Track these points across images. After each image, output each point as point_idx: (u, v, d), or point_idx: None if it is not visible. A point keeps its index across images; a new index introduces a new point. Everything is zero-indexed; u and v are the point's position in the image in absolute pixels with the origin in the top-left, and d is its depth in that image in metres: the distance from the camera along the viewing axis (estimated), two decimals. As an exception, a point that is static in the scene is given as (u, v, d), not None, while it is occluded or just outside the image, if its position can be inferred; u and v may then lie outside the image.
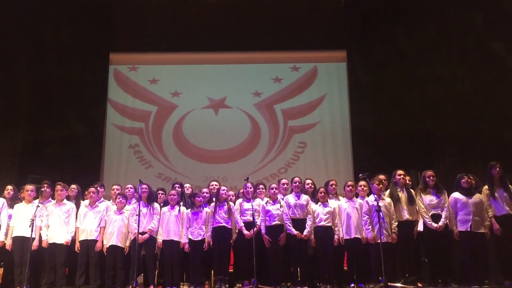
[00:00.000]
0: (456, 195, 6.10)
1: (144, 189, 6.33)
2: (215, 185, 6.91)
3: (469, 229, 5.91)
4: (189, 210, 6.46)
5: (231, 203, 6.48)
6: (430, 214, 6.00)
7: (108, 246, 6.19)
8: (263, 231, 6.19)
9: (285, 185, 6.63)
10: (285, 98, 10.20)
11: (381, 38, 9.79)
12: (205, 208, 6.45)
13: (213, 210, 6.35)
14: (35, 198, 6.38)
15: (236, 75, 10.36)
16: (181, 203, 6.56)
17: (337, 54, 10.33)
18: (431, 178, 6.15)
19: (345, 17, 10.08)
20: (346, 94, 10.12)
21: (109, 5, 10.10)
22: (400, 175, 6.21)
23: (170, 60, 10.47)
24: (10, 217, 6.26)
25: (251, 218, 6.13)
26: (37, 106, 9.64)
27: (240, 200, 6.53)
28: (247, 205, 6.32)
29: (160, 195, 6.87)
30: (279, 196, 6.46)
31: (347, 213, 6.14)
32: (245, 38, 10.26)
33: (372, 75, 9.81)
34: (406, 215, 6.01)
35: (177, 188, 6.84)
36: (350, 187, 6.30)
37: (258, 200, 6.45)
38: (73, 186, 6.65)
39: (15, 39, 9.47)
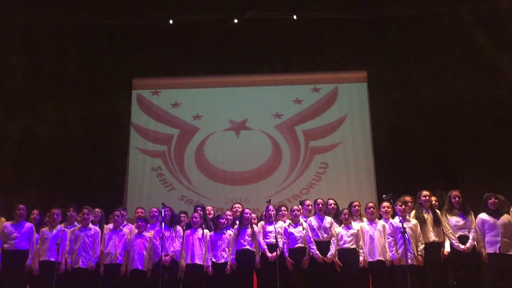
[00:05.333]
0: (483, 216, 5.97)
1: (166, 212, 6.38)
2: (238, 207, 6.92)
3: (498, 251, 5.75)
4: (212, 232, 6.47)
5: (254, 226, 6.47)
6: (457, 236, 5.88)
7: (131, 270, 6.22)
8: (286, 253, 6.14)
9: (309, 207, 6.59)
10: (306, 119, 10.20)
11: (401, 58, 9.77)
12: (228, 231, 6.44)
13: (236, 232, 6.35)
14: (61, 222, 6.47)
15: (256, 97, 10.42)
16: (204, 226, 6.58)
17: (357, 74, 10.32)
18: (457, 198, 6.04)
19: (365, 37, 10.09)
20: (367, 114, 10.07)
21: (131, 31, 10.32)
22: (425, 196, 6.11)
23: (191, 83, 10.60)
24: (36, 241, 6.35)
25: (274, 241, 6.10)
26: (62, 129, 9.85)
27: (262, 222, 6.51)
28: (269, 228, 6.29)
29: (183, 218, 6.90)
30: (302, 219, 6.43)
31: (370, 235, 6.06)
32: (265, 60, 10.34)
33: (393, 95, 9.75)
34: (432, 237, 5.90)
35: (199, 211, 6.86)
36: (371, 209, 6.22)
37: (280, 223, 6.43)
38: (97, 209, 6.74)
39: (38, 68, 9.78)
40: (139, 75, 10.62)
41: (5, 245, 6.17)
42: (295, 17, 9.42)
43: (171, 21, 9.50)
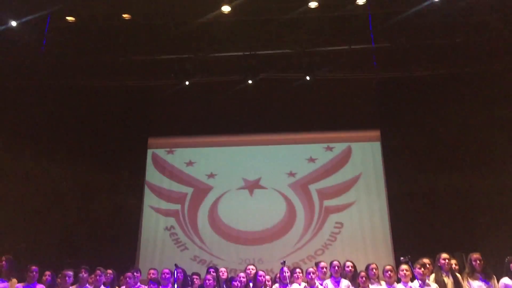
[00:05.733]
0: (506, 280, 5.74)
1: (179, 274, 6.26)
2: (252, 269, 6.78)
3: (523, 318, 5.50)
4: (225, 295, 6.31)
5: (268, 288, 6.31)
6: (479, 301, 5.65)
7: (142, 334, 6.05)
8: (302, 319, 5.93)
9: (324, 269, 6.44)
10: (320, 178, 10.18)
11: (414, 117, 9.84)
12: (241, 294, 6.28)
13: (250, 295, 6.19)
14: (72, 284, 6.37)
15: (270, 156, 10.47)
16: (217, 288, 6.43)
17: (370, 133, 10.37)
18: (478, 261, 5.85)
19: (378, 97, 10.22)
20: (382, 173, 10.03)
21: (148, 91, 10.60)
22: (444, 259, 5.93)
23: (206, 142, 10.73)
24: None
25: (289, 305, 5.91)
26: (76, 188, 9.94)
27: (276, 285, 6.35)
28: (284, 291, 6.12)
29: (195, 279, 6.76)
30: (317, 281, 6.25)
31: (389, 300, 5.84)
32: (278, 119, 10.49)
33: (408, 154, 9.74)
34: (453, 302, 5.67)
35: (212, 273, 6.73)
36: (389, 272, 6.02)
37: (295, 286, 6.25)
38: (109, 271, 6.64)
39: (54, 128, 10.03)
40: (154, 134, 10.81)
41: (16, 307, 6.06)
42: (308, 77, 9.62)
43: (187, 82, 9.76)
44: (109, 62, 9.61)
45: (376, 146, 10.30)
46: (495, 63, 9.25)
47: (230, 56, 9.53)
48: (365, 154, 10.30)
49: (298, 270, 6.48)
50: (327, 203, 9.98)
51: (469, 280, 5.82)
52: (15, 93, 9.61)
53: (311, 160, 10.34)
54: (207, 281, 6.36)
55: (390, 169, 9.95)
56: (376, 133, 10.35)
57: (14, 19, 8.39)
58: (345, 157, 10.30)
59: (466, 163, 9.38)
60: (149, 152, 10.68)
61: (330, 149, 10.40)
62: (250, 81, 9.91)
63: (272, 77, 9.94)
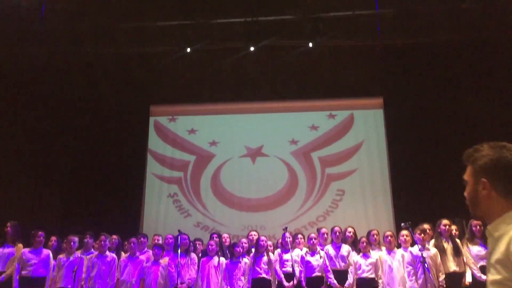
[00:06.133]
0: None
1: (183, 239, 6.36)
2: (254, 235, 6.88)
3: (522, 282, 5.59)
4: (227, 260, 6.42)
5: (270, 253, 6.41)
6: (478, 266, 5.74)
7: (147, 297, 6.19)
8: (303, 283, 6.05)
9: (325, 235, 6.53)
10: (322, 145, 10.18)
11: (418, 84, 9.75)
12: (244, 259, 6.39)
13: (252, 260, 6.29)
14: (78, 249, 6.49)
15: (273, 124, 10.46)
16: (220, 254, 6.54)
17: (373, 101, 10.32)
18: (478, 227, 5.93)
19: (381, 64, 10.11)
20: (384, 141, 10.02)
21: (149, 59, 10.50)
22: (445, 225, 6.00)
23: (208, 110, 10.71)
24: (53, 268, 6.37)
25: (291, 269, 6.02)
26: (80, 157, 10.00)
27: (278, 250, 6.46)
28: (286, 256, 6.23)
29: (198, 245, 6.87)
30: (318, 247, 6.35)
31: (388, 265, 5.95)
32: (281, 87, 10.42)
33: (410, 120, 9.71)
34: (453, 267, 5.78)
35: (215, 238, 6.84)
36: (389, 238, 6.13)
37: (297, 251, 6.36)
38: (114, 236, 6.76)
39: (56, 96, 10.00)
40: (156, 102, 10.77)
41: (23, 272, 6.20)
42: (311, 44, 9.50)
43: (188, 49, 9.65)
44: (110, 28, 9.49)
45: (379, 114, 10.26)
46: (502, 30, 9.10)
47: (232, 23, 9.37)
48: (368, 122, 10.27)
49: (299, 235, 6.60)
50: (329, 170, 10.02)
51: (469, 245, 5.91)
52: (13, 60, 9.53)
53: (314, 128, 10.32)
54: (210, 246, 6.48)
55: (392, 136, 9.94)
56: (379, 101, 10.30)
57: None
58: (347, 125, 10.28)
59: (468, 131, 9.35)
60: (151, 119, 10.68)
61: (332, 116, 10.37)
62: (252, 48, 9.80)
63: (274, 44, 9.82)
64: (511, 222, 1.57)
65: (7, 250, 6.39)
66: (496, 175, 1.64)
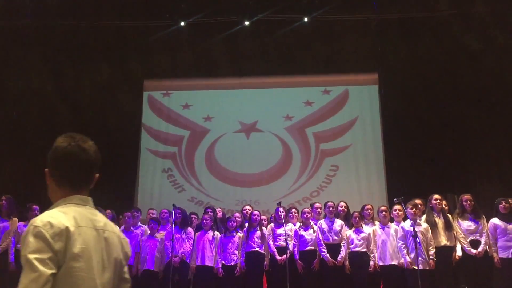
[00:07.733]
0: (495, 220, 5.93)
1: (178, 214, 6.41)
2: (248, 209, 6.93)
3: (510, 256, 5.71)
4: (222, 235, 6.49)
5: (263, 228, 6.48)
6: (468, 240, 5.84)
7: (142, 271, 6.26)
8: (296, 256, 6.14)
9: (318, 209, 6.60)
10: (316, 121, 10.17)
11: (414, 61, 9.71)
12: (237, 233, 6.46)
13: (246, 234, 6.36)
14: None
15: (267, 99, 10.42)
16: (214, 228, 6.60)
17: (368, 77, 10.28)
18: (468, 202, 6.00)
19: (376, 40, 10.05)
20: (378, 117, 10.02)
21: (143, 33, 10.38)
22: (436, 200, 6.07)
23: (202, 85, 10.63)
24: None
25: (284, 243, 6.10)
26: (71, 128, 9.94)
27: (272, 224, 6.52)
28: (279, 230, 6.30)
29: (193, 219, 6.93)
30: (312, 221, 6.42)
31: (382, 240, 6.03)
32: (276, 62, 10.34)
33: (405, 97, 9.70)
34: (443, 241, 5.87)
35: (209, 213, 6.89)
36: (384, 212, 6.20)
37: (290, 225, 6.43)
38: (108, 211, 6.77)
39: (50, 69, 9.89)
40: (150, 76, 10.68)
41: (18, 245, 6.23)
42: (306, 19, 9.41)
43: (182, 23, 9.54)
44: (103, 1, 9.35)
45: (374, 90, 10.23)
46: (497, 3, 9.05)
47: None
48: (362, 98, 10.24)
49: (293, 210, 6.66)
50: (323, 146, 10.04)
51: (459, 220, 5.99)
52: (10, 33, 9.42)
53: (308, 103, 10.29)
54: (204, 220, 6.53)
55: (386, 113, 9.95)
56: (374, 77, 10.25)
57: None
58: (342, 100, 10.26)
59: (462, 108, 9.38)
60: (145, 94, 10.60)
61: (327, 92, 10.33)
62: (247, 23, 9.70)
63: (269, 18, 9.73)
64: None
65: (2, 224, 6.41)
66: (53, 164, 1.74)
